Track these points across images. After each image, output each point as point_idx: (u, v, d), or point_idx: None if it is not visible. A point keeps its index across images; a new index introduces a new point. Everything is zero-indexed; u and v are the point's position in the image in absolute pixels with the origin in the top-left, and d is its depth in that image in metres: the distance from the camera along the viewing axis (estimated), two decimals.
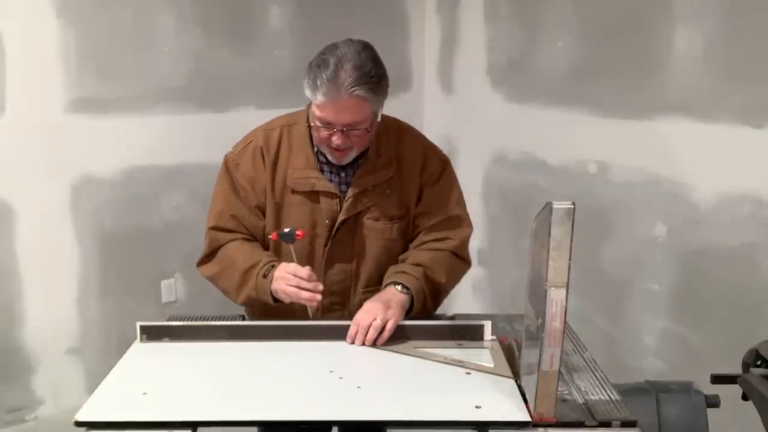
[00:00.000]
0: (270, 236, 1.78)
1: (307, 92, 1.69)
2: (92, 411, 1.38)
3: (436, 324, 1.76)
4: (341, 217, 1.80)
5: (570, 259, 1.23)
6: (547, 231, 1.23)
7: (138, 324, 1.74)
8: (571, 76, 2.95)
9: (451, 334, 1.71)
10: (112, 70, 3.00)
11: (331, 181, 1.81)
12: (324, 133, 1.72)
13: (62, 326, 3.06)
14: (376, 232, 1.83)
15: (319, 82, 1.64)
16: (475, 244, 3.61)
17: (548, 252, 1.23)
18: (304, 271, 1.69)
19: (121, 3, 2.97)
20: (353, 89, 1.63)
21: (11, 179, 2.87)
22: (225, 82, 3.25)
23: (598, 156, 2.86)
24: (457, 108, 3.64)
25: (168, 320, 1.83)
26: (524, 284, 1.44)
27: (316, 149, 1.81)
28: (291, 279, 1.69)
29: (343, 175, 1.82)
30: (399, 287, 1.76)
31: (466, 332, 1.71)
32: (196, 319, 1.80)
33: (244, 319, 1.87)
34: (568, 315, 1.26)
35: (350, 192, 1.80)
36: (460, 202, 1.92)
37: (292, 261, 1.73)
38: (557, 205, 1.23)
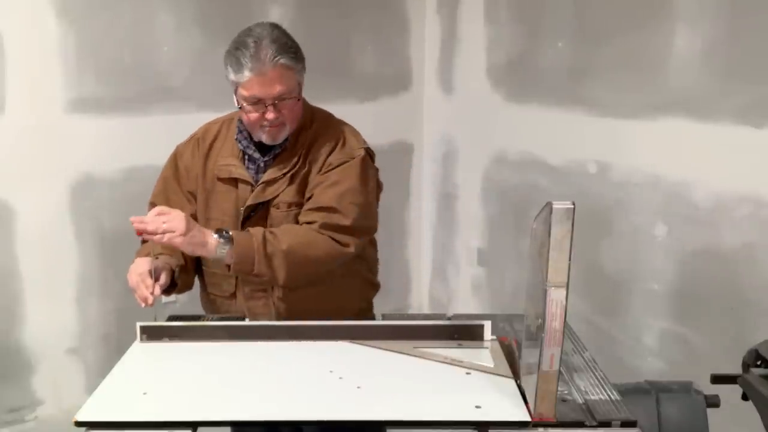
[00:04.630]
0: None
1: (232, 77, 1.79)
2: (92, 411, 1.39)
3: (436, 324, 1.76)
4: (247, 204, 1.87)
5: (570, 259, 1.23)
6: (547, 231, 1.23)
7: (138, 324, 1.74)
8: (571, 75, 2.95)
9: (451, 334, 1.72)
10: (112, 70, 2.99)
11: (248, 169, 1.89)
12: (254, 114, 1.78)
13: (62, 326, 3.06)
14: (279, 219, 1.88)
15: (243, 61, 1.74)
16: (475, 244, 3.63)
17: (548, 252, 1.23)
18: (145, 271, 1.77)
19: (120, 3, 2.97)
20: (277, 58, 1.73)
21: (11, 179, 2.87)
22: (225, 82, 3.23)
23: (598, 156, 2.86)
24: (457, 108, 3.64)
25: (168, 320, 1.83)
26: (524, 284, 1.44)
27: (236, 137, 1.90)
28: (133, 274, 1.78)
29: (261, 165, 1.89)
30: (217, 235, 1.73)
31: (466, 332, 1.71)
32: (196, 319, 1.80)
33: (243, 319, 1.87)
34: (568, 315, 1.26)
35: (260, 180, 1.87)
36: (345, 197, 1.83)
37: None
38: (557, 205, 1.23)
